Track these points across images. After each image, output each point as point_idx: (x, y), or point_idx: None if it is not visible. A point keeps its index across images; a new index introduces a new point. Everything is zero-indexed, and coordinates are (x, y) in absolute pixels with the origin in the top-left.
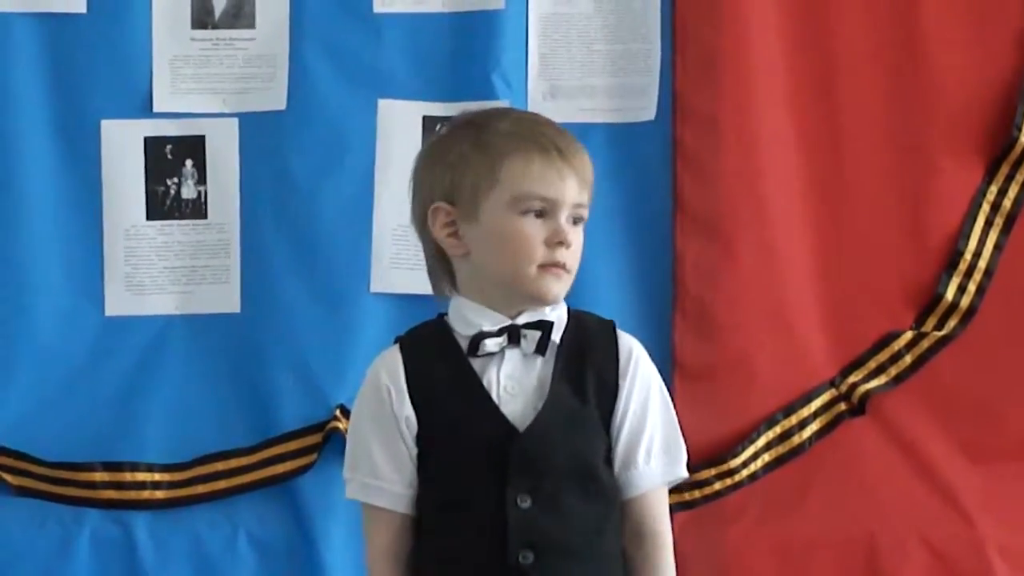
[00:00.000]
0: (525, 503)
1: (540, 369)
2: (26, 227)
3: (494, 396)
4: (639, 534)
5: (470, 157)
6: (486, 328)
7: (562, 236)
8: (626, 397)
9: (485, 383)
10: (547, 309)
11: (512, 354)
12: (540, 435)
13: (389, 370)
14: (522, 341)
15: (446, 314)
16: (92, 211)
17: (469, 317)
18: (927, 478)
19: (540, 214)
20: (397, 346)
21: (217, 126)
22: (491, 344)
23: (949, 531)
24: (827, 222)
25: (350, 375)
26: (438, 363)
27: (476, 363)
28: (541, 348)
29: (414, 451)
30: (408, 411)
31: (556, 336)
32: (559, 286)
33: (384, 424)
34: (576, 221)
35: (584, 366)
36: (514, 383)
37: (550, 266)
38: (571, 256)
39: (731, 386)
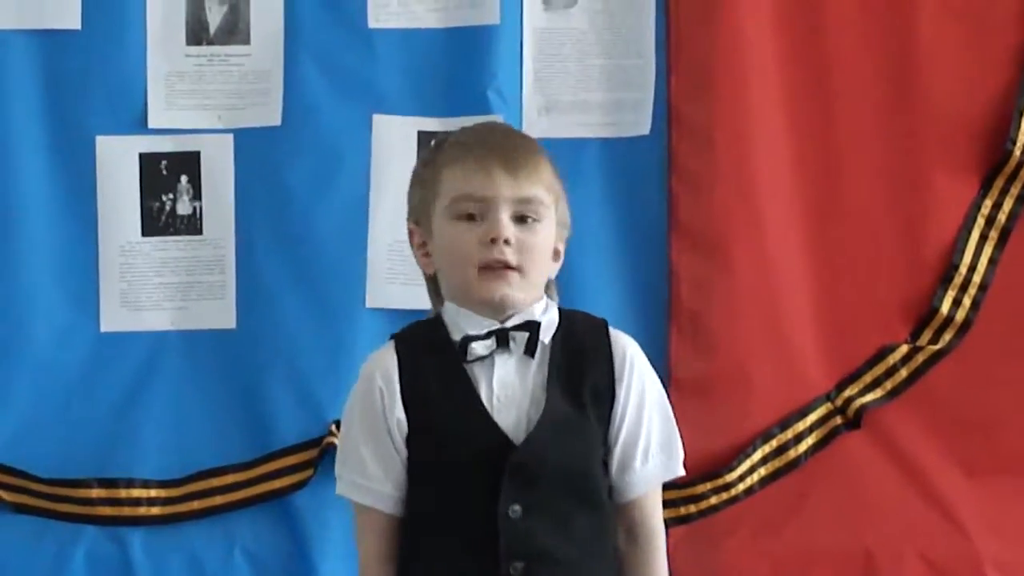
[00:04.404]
0: (516, 513)
1: (534, 376)
2: (22, 243)
3: (487, 404)
4: (634, 533)
5: (423, 175)
6: (471, 332)
7: (495, 232)
8: (623, 402)
9: (478, 391)
10: (535, 310)
11: (504, 360)
12: (535, 447)
13: (383, 370)
14: (511, 343)
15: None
16: (88, 227)
17: (459, 323)
18: (923, 492)
19: (478, 216)
20: (392, 344)
21: (212, 142)
22: (479, 347)
23: (945, 545)
24: (822, 235)
25: (346, 390)
26: (432, 365)
27: (469, 369)
28: (531, 350)
29: (404, 453)
30: (400, 413)
31: (545, 337)
32: (504, 287)
33: (374, 424)
34: (526, 219)
35: (578, 371)
36: (508, 391)
37: (490, 265)
38: (516, 254)
39: (727, 400)
